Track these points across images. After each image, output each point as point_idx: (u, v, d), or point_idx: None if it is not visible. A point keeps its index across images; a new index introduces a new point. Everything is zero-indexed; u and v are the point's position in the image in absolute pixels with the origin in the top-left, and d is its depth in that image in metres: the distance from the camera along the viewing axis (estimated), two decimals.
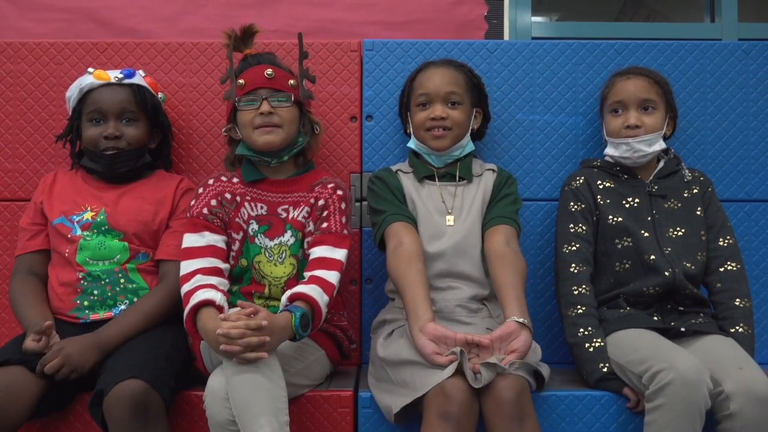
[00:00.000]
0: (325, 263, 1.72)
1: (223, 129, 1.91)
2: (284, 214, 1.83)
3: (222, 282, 1.71)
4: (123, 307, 1.81)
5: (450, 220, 1.87)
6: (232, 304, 1.67)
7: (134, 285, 1.83)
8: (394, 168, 1.96)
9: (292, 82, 1.83)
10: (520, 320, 1.60)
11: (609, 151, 1.95)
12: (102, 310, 1.80)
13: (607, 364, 1.74)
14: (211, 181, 1.86)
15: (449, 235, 1.85)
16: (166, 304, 1.79)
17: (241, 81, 1.81)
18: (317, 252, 1.75)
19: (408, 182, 1.92)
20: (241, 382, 1.51)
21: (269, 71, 1.80)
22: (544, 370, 1.69)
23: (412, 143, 1.95)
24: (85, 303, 1.80)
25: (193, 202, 1.83)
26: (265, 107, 1.78)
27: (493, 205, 1.89)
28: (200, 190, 1.84)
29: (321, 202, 1.82)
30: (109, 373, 1.57)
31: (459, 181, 1.92)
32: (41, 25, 2.98)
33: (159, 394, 1.53)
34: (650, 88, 1.90)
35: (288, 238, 1.81)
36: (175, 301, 1.78)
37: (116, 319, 1.75)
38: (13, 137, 2.13)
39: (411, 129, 1.95)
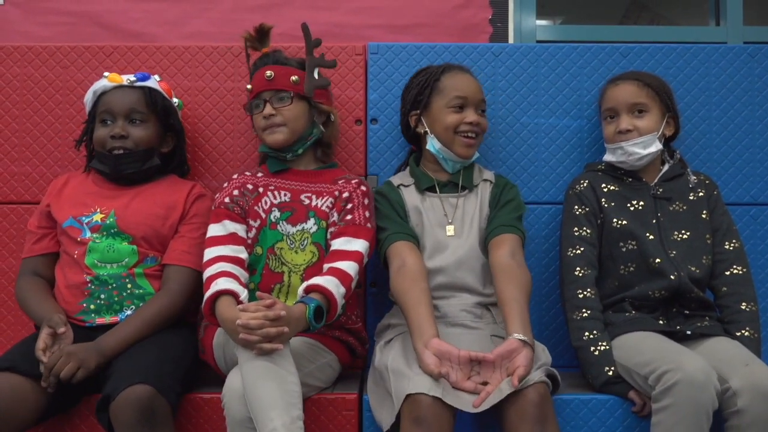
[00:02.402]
0: (344, 255, 1.73)
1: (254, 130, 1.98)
2: (307, 201, 1.86)
3: (243, 274, 1.75)
4: (129, 312, 1.81)
5: (450, 230, 1.86)
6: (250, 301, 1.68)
7: (141, 290, 1.83)
8: (395, 182, 1.94)
9: (294, 78, 1.84)
10: (522, 338, 1.59)
11: (607, 157, 1.96)
12: (108, 314, 1.81)
13: (612, 368, 1.73)
14: (235, 176, 1.92)
15: (452, 250, 1.84)
16: (167, 312, 1.78)
17: (249, 86, 1.88)
18: (337, 243, 1.77)
19: (410, 196, 1.91)
20: (254, 376, 1.52)
21: (268, 73, 1.83)
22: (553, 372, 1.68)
23: (432, 146, 1.89)
24: (92, 306, 1.81)
25: (217, 195, 1.88)
26: (267, 110, 1.84)
27: (495, 214, 1.88)
28: (225, 184, 1.90)
29: (345, 195, 1.84)
30: (117, 377, 1.57)
31: (461, 191, 1.92)
32: (45, 28, 3.00)
33: (166, 399, 1.53)
34: (640, 91, 1.90)
35: (311, 225, 1.83)
36: (176, 307, 1.78)
37: (117, 327, 1.74)
38: (19, 140, 2.13)
39: (428, 129, 1.89)
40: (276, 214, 1.84)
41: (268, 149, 1.90)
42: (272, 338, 1.52)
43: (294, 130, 1.85)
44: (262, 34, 1.90)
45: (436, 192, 1.91)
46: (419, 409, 1.49)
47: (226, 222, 1.80)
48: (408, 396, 1.51)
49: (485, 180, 1.95)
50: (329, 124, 1.93)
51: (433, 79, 1.90)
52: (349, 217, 1.81)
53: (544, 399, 1.53)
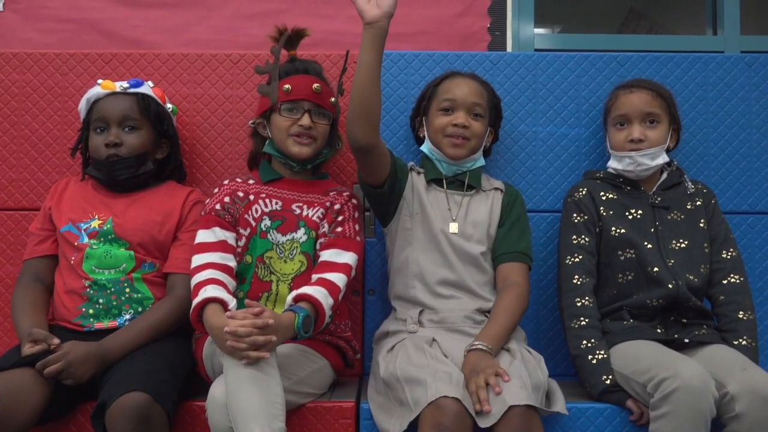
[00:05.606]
0: (334, 266, 1.75)
1: (251, 121, 1.95)
2: (298, 211, 1.86)
3: (231, 282, 1.74)
4: (127, 316, 1.81)
5: (453, 227, 1.87)
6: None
7: (139, 295, 1.83)
8: (410, 164, 1.98)
9: (333, 99, 1.89)
10: (481, 346, 1.65)
11: (612, 164, 1.96)
12: (107, 319, 1.80)
13: (610, 376, 1.73)
14: (226, 182, 1.91)
15: (456, 246, 1.85)
16: (172, 318, 1.78)
17: (287, 86, 1.82)
18: (326, 255, 1.78)
19: (418, 182, 1.93)
20: (238, 385, 1.51)
21: (317, 86, 1.84)
22: (558, 399, 1.67)
23: (425, 147, 1.96)
24: (90, 311, 1.80)
25: (208, 201, 1.87)
26: (306, 120, 1.83)
27: (506, 230, 1.89)
28: (215, 190, 1.89)
29: (337, 206, 1.85)
30: (113, 384, 1.57)
31: (467, 190, 1.93)
32: (46, 35, 3.01)
33: (162, 407, 1.53)
34: (654, 101, 1.91)
35: (301, 235, 1.84)
36: (181, 314, 1.78)
37: (121, 330, 1.75)
38: (18, 147, 2.13)
39: (426, 133, 1.95)
40: (267, 222, 1.84)
41: (280, 154, 1.88)
42: (259, 346, 1.51)
43: (319, 147, 1.88)
44: (297, 37, 1.90)
45: (442, 187, 1.93)
46: (442, 416, 1.48)
47: (216, 229, 1.80)
48: (431, 405, 1.50)
49: (496, 189, 1.96)
50: (335, 150, 1.96)
51: (433, 84, 1.96)
52: (339, 229, 1.82)
53: (528, 408, 1.52)
